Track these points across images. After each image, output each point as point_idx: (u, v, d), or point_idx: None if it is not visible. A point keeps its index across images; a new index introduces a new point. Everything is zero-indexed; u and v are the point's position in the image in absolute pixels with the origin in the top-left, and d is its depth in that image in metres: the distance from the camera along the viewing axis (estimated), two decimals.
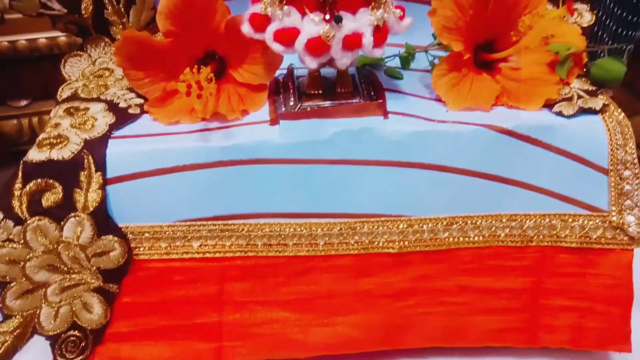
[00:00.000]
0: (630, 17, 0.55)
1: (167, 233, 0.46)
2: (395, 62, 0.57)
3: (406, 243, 0.48)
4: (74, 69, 0.58)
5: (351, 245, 0.48)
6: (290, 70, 0.53)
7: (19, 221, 0.43)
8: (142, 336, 0.48)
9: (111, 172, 0.44)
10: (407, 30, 0.47)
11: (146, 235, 0.46)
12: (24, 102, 0.75)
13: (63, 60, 0.58)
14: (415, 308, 0.50)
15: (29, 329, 0.46)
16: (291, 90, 0.50)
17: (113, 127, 0.47)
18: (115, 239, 0.45)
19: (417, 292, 0.49)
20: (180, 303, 0.47)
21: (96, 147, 0.45)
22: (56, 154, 0.44)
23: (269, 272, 0.48)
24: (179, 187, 0.45)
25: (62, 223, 0.44)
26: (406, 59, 0.57)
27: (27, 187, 0.44)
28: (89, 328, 0.46)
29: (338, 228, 0.47)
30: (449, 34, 0.50)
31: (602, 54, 0.55)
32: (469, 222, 0.48)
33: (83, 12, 0.55)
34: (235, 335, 0.48)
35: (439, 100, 0.50)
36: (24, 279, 0.44)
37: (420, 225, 0.48)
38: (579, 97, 0.50)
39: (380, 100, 0.48)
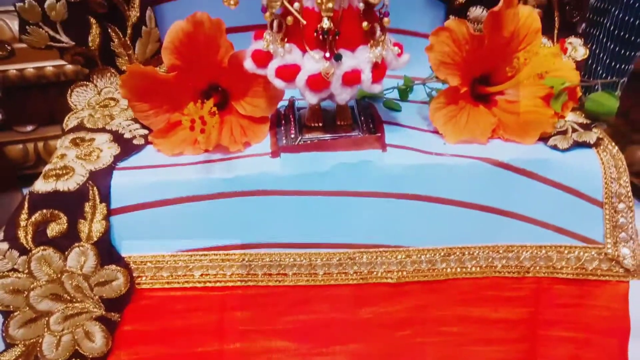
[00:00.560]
0: (622, 51, 0.57)
1: (169, 263, 0.47)
2: (394, 94, 0.58)
3: (404, 273, 0.49)
4: (80, 98, 0.60)
5: (350, 275, 0.48)
6: (292, 102, 0.54)
7: (24, 251, 0.44)
8: None
9: (115, 203, 0.45)
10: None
11: (148, 264, 0.47)
12: (29, 128, 0.76)
13: (70, 90, 0.59)
14: (414, 338, 0.50)
15: (31, 358, 0.46)
16: (292, 123, 0.52)
17: (118, 158, 0.48)
18: (118, 268, 0.46)
19: (416, 321, 0.50)
20: (181, 332, 0.48)
21: (101, 178, 0.46)
22: (62, 185, 0.45)
23: (269, 302, 0.48)
24: (181, 217, 0.46)
25: (66, 253, 0.45)
26: (404, 92, 0.58)
27: (33, 218, 0.44)
28: (91, 356, 0.47)
29: (337, 258, 0.48)
30: (446, 69, 0.51)
31: (596, 88, 0.56)
32: (466, 252, 0.49)
33: (90, 44, 0.57)
34: None
35: (436, 132, 0.51)
36: (27, 308, 0.45)
37: (418, 255, 0.49)
38: (574, 130, 0.51)
39: (379, 134, 0.49)
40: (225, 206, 0.46)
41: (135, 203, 0.46)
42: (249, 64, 0.46)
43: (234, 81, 0.51)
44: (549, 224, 0.49)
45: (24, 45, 0.57)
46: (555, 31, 0.60)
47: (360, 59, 0.45)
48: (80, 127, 0.53)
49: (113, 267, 0.45)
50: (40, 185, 0.45)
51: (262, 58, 0.46)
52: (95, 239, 0.45)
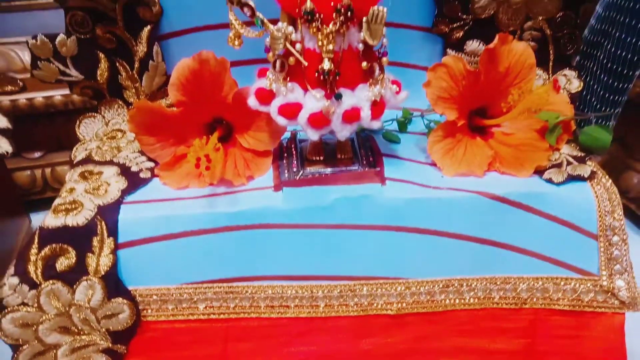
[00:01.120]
0: (616, 84, 0.58)
1: (174, 295, 0.48)
2: (393, 125, 0.60)
3: (404, 305, 0.50)
4: (88, 129, 0.61)
5: (351, 307, 0.49)
6: (294, 135, 0.56)
7: (33, 285, 0.45)
8: None
9: (122, 237, 0.47)
10: None
11: (154, 297, 0.48)
12: (37, 154, 0.78)
13: (78, 121, 0.61)
14: None
15: None
16: (294, 156, 0.53)
17: (125, 192, 0.49)
18: (125, 301, 0.47)
19: (415, 352, 0.51)
20: None
21: (109, 213, 0.47)
22: (71, 220, 0.46)
23: (271, 333, 0.49)
24: (186, 251, 0.48)
25: (74, 286, 0.46)
26: (403, 124, 0.59)
27: (43, 252, 0.46)
28: None
29: (338, 290, 0.49)
30: (444, 104, 0.52)
31: (591, 120, 0.58)
32: (464, 284, 0.50)
33: (99, 78, 0.59)
34: None
35: (434, 165, 0.53)
36: (36, 341, 0.46)
37: (418, 287, 0.50)
38: (568, 163, 0.52)
39: (378, 168, 0.51)
40: (229, 240, 0.48)
41: (141, 237, 0.47)
42: (252, 102, 0.48)
43: (237, 116, 0.52)
44: (545, 256, 0.50)
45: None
46: (550, 63, 0.61)
47: (359, 97, 0.47)
48: (88, 159, 0.55)
49: (119, 300, 0.47)
50: (50, 220, 0.46)
51: (265, 96, 0.47)
52: (102, 272, 0.46)
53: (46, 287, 0.45)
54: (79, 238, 0.46)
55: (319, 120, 0.46)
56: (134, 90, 0.61)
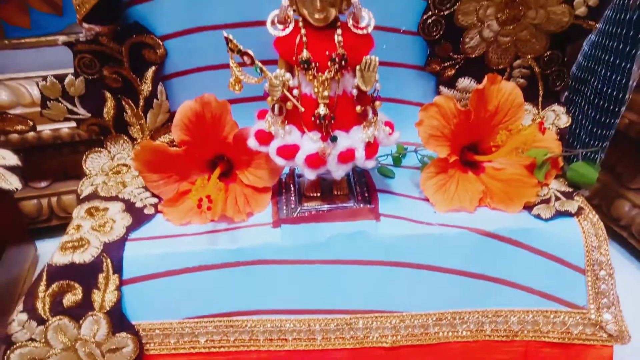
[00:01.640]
0: (603, 119, 0.60)
1: (176, 329, 0.50)
2: (388, 160, 0.62)
3: (399, 337, 0.51)
4: (94, 163, 0.63)
5: (347, 340, 0.51)
6: (292, 171, 0.58)
7: (41, 321, 0.47)
8: None
9: (127, 274, 0.49)
10: None
11: (157, 331, 0.49)
12: (43, 184, 0.80)
13: (84, 156, 0.63)
14: None
15: None
16: (292, 192, 0.55)
17: (130, 229, 0.52)
18: (128, 335, 0.49)
19: None
20: None
21: (114, 250, 0.49)
22: (78, 258, 0.48)
23: None
24: (188, 286, 0.49)
25: (80, 322, 0.48)
26: (398, 159, 0.62)
27: (50, 289, 0.48)
28: None
29: (335, 323, 0.51)
30: (435, 141, 0.55)
31: (579, 156, 0.59)
32: (457, 317, 0.51)
33: (105, 115, 0.61)
34: None
35: (427, 200, 0.55)
36: None
37: (412, 320, 0.51)
38: (557, 199, 0.54)
39: (373, 205, 0.53)
40: (230, 275, 0.49)
41: (145, 274, 0.49)
42: (252, 143, 0.50)
43: (238, 154, 0.54)
44: (535, 289, 0.51)
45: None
46: (540, 99, 0.64)
47: (354, 139, 0.49)
48: (94, 195, 0.57)
49: (124, 334, 0.48)
50: (58, 258, 0.48)
51: (265, 138, 0.50)
52: (107, 308, 0.48)
53: (53, 323, 0.47)
54: (86, 275, 0.48)
55: (315, 161, 0.48)
56: (138, 126, 0.63)
